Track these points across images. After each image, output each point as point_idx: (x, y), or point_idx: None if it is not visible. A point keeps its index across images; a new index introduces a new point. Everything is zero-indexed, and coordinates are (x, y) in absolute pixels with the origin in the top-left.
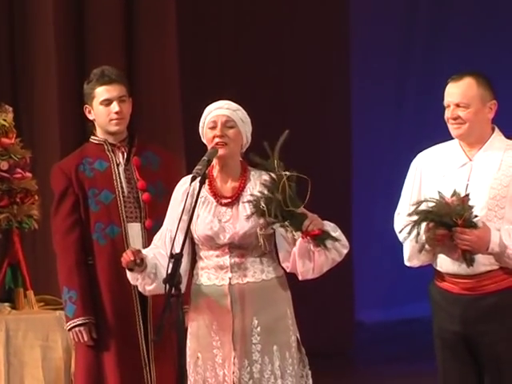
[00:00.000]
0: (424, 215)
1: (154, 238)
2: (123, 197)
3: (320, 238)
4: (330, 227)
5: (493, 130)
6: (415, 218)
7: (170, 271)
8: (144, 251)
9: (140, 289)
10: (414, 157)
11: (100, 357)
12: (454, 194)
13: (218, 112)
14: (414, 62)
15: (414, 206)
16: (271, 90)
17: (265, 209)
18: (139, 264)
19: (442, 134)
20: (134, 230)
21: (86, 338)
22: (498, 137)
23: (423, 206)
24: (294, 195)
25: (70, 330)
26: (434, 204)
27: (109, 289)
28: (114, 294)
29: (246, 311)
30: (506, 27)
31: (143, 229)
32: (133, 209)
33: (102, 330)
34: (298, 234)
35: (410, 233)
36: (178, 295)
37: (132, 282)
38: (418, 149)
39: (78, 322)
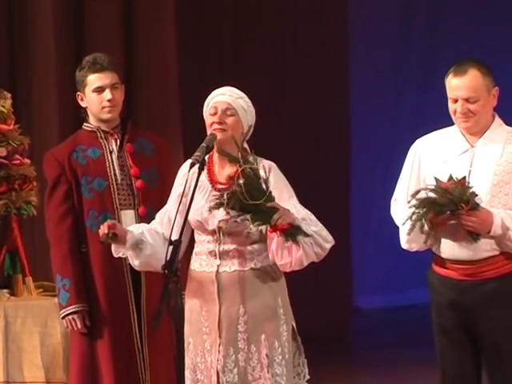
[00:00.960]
0: (428, 206)
1: (156, 215)
2: (116, 184)
3: (289, 233)
4: (310, 222)
5: (493, 117)
6: (418, 209)
7: (168, 257)
8: (133, 227)
9: (130, 262)
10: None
11: (94, 344)
12: (450, 178)
13: (220, 98)
14: (414, 56)
15: (414, 195)
16: (270, 81)
17: (224, 201)
18: (112, 238)
19: (440, 126)
20: (128, 218)
21: (79, 326)
22: (498, 124)
23: (422, 194)
24: (264, 186)
25: (63, 317)
26: (433, 192)
27: (102, 276)
28: (108, 281)
29: (233, 299)
30: (505, 18)
31: (137, 216)
32: (126, 196)
33: (95, 318)
34: (263, 228)
35: (414, 225)
36: (177, 281)
37: (114, 255)
38: (416, 138)
39: (72, 310)
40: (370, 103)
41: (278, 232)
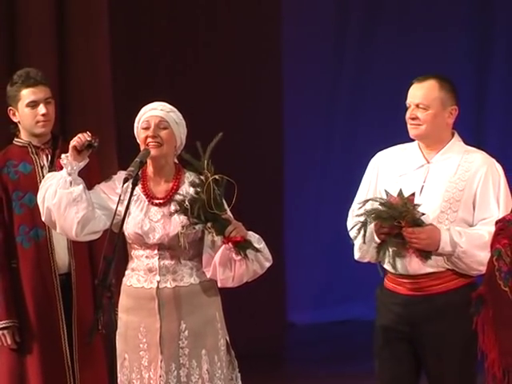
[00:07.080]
0: (370, 217)
1: None
2: None
3: (241, 246)
4: (254, 238)
5: (452, 134)
6: (361, 218)
7: (102, 273)
8: None
9: (55, 208)
10: (347, 159)
11: (23, 360)
12: (400, 193)
13: (152, 113)
14: (349, 55)
15: (361, 205)
16: (203, 90)
17: (188, 207)
18: (95, 146)
19: (376, 129)
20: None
21: (9, 342)
22: (457, 142)
23: (369, 205)
24: (220, 199)
25: None
26: (381, 205)
27: (32, 292)
28: (38, 297)
29: (174, 315)
30: (437, 27)
31: None
32: None
33: (25, 334)
34: (219, 238)
35: (358, 234)
36: (110, 297)
37: (64, 176)
38: (350, 148)
39: (2, 326)
40: (303, 115)
41: (231, 244)
